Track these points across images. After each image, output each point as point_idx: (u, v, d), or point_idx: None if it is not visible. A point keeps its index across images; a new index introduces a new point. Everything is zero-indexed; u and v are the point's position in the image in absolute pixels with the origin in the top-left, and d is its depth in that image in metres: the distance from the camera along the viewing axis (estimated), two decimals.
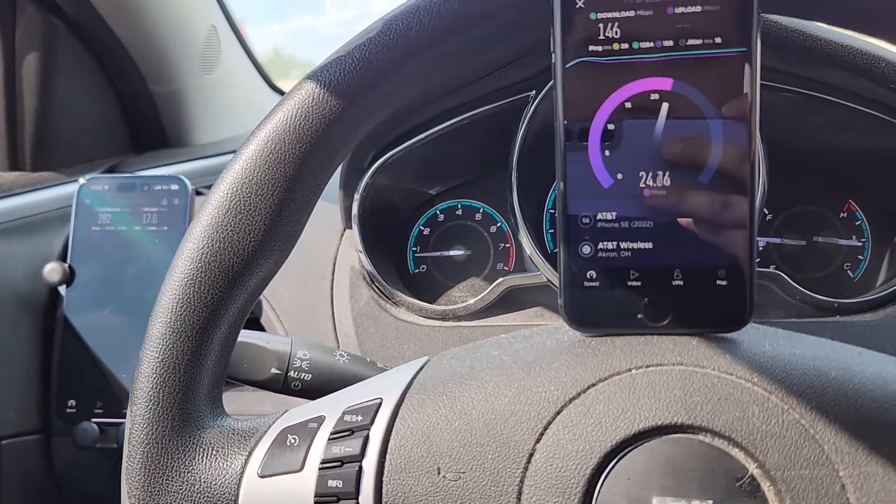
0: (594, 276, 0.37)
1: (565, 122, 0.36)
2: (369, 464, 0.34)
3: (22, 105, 0.91)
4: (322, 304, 0.72)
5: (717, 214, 0.36)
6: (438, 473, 0.34)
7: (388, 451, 0.35)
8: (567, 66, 0.36)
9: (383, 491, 0.34)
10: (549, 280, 0.67)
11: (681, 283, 0.36)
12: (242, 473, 0.36)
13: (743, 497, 0.31)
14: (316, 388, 0.49)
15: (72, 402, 0.75)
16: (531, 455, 0.33)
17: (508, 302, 0.70)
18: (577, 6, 0.35)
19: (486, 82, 0.69)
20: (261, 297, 0.57)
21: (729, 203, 0.35)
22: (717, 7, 0.34)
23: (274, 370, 0.49)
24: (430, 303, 0.71)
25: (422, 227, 0.79)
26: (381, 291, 0.71)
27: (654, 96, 0.35)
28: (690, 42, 0.35)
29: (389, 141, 0.72)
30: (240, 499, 0.35)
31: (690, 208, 0.36)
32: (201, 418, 0.37)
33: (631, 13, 0.35)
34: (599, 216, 0.37)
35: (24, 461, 0.74)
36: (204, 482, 0.36)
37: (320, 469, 0.35)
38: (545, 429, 0.33)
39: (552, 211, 0.74)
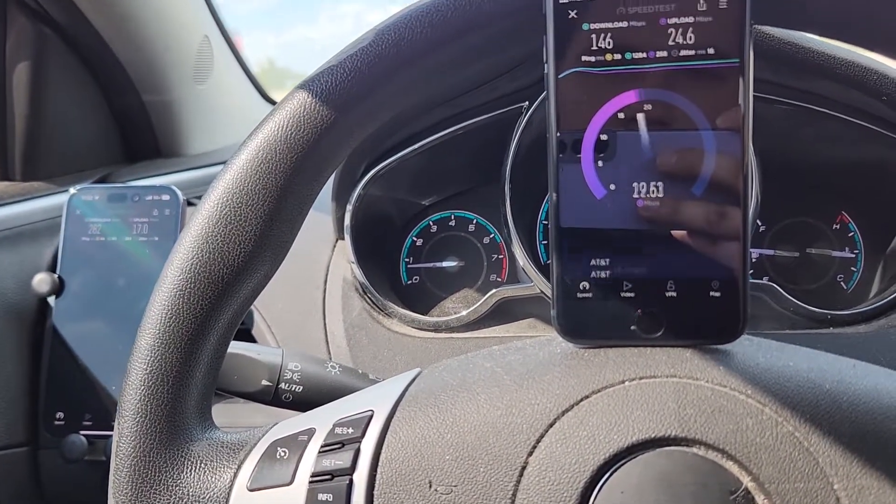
0: (587, 288, 0.37)
1: (558, 133, 0.36)
2: (360, 477, 0.34)
3: (12, 115, 0.90)
4: (314, 315, 0.72)
5: (710, 226, 0.36)
6: (430, 487, 0.33)
7: (380, 464, 0.34)
8: (560, 76, 0.36)
9: None
10: (542, 291, 0.67)
11: (674, 294, 0.36)
12: (231, 487, 0.35)
13: None
14: (307, 400, 0.49)
15: (60, 415, 0.74)
16: (524, 468, 0.33)
17: (501, 313, 0.70)
18: (570, 17, 0.35)
19: (479, 93, 0.69)
20: (252, 307, 0.57)
21: (722, 214, 0.35)
22: (710, 18, 0.34)
23: (264, 382, 0.48)
24: (422, 314, 0.71)
25: (415, 238, 0.78)
26: (374, 303, 0.71)
27: (647, 107, 0.35)
28: (683, 53, 0.35)
29: (382, 151, 0.72)
30: None
31: (683, 220, 0.36)
32: (190, 431, 0.36)
33: (624, 24, 0.35)
34: (592, 227, 0.37)
35: (11, 474, 0.74)
36: (192, 496, 0.35)
37: (310, 482, 0.34)
38: (538, 441, 0.33)
39: (545, 222, 0.74)
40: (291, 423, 0.37)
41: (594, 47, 0.35)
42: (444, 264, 0.77)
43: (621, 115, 0.36)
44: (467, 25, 0.37)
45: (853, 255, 0.72)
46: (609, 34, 0.35)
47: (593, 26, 0.35)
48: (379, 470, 0.34)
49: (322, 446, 0.35)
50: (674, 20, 0.34)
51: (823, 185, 0.72)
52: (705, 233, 0.36)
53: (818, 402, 0.33)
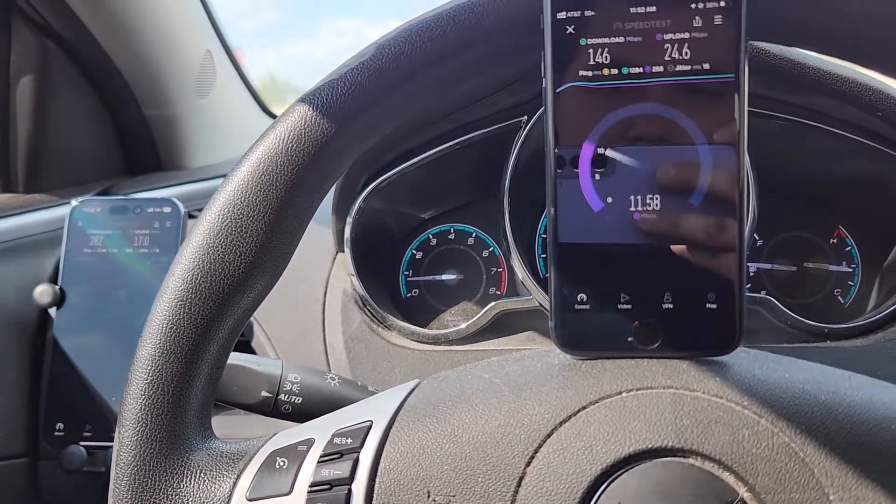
0: (584, 300, 0.37)
1: (556, 148, 0.37)
2: (359, 487, 0.34)
3: (16, 127, 0.91)
4: (313, 327, 0.72)
5: (706, 239, 0.36)
6: (428, 497, 0.34)
7: (378, 474, 0.34)
8: (557, 91, 0.36)
9: None
10: (541, 304, 0.67)
11: (671, 306, 0.36)
12: (231, 496, 0.35)
13: None
14: (306, 411, 0.49)
15: (60, 426, 0.74)
16: (521, 478, 0.33)
17: (500, 326, 0.70)
18: (568, 32, 0.36)
19: (478, 107, 0.70)
20: (252, 319, 0.57)
21: (718, 228, 0.36)
22: (706, 34, 0.35)
23: (264, 393, 0.48)
24: (422, 327, 0.71)
25: (414, 252, 0.79)
26: (373, 315, 0.71)
27: (644, 122, 0.36)
28: (679, 68, 0.35)
29: (382, 165, 0.72)
30: None
31: (680, 232, 0.36)
32: (190, 441, 0.36)
33: (620, 39, 0.35)
34: (590, 240, 0.37)
35: (11, 485, 0.74)
36: None
37: (309, 492, 0.34)
38: (535, 452, 0.33)
39: (544, 235, 0.75)
40: (291, 433, 0.38)
41: (591, 62, 0.36)
42: (444, 277, 0.78)
43: (618, 130, 0.36)
44: (466, 41, 0.37)
45: (850, 270, 0.72)
46: (606, 49, 0.35)
47: (590, 42, 0.36)
48: (377, 480, 0.34)
49: (321, 456, 0.35)
50: (670, 36, 0.35)
51: (820, 199, 0.72)
52: (702, 246, 0.36)
53: (813, 413, 0.33)
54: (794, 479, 0.31)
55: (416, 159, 0.72)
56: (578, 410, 0.34)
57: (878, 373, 0.61)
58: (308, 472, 0.35)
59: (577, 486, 0.32)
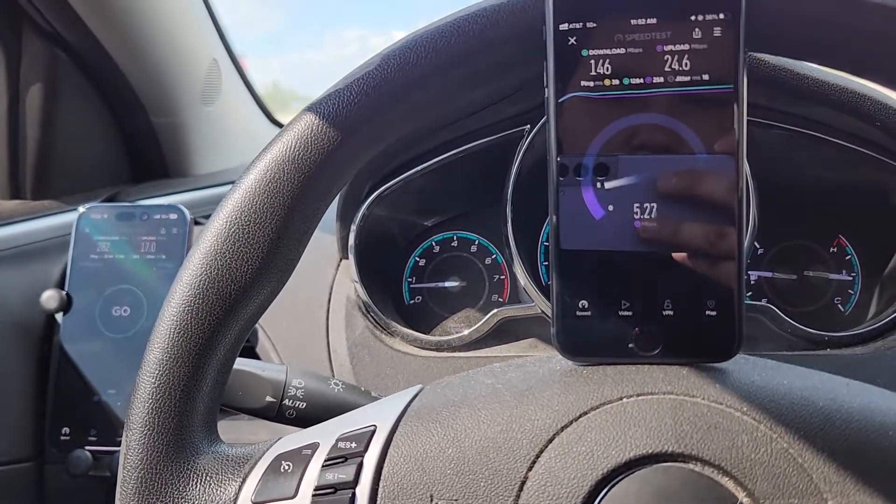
0: (586, 306, 0.37)
1: (558, 157, 0.37)
2: (363, 491, 0.34)
3: (24, 134, 0.91)
4: (317, 333, 0.72)
5: (706, 247, 0.36)
6: (431, 501, 0.34)
7: (382, 478, 0.35)
8: (560, 101, 0.37)
9: None
10: (543, 311, 0.68)
11: (671, 313, 0.37)
12: (236, 500, 0.36)
13: None
14: (310, 416, 0.49)
15: (66, 430, 0.75)
16: (523, 483, 0.33)
17: (503, 333, 0.71)
18: (570, 43, 0.36)
19: (481, 116, 0.70)
20: (257, 325, 0.58)
21: (718, 235, 0.36)
22: (705, 46, 0.35)
23: (269, 398, 0.49)
24: (424, 333, 0.72)
25: (417, 259, 0.79)
26: (377, 321, 0.71)
27: (645, 131, 0.36)
28: (679, 79, 0.36)
29: (386, 173, 0.73)
30: None
31: (680, 240, 0.36)
32: (196, 444, 0.37)
33: (622, 50, 0.36)
34: (591, 248, 0.37)
35: (17, 489, 0.74)
36: None
37: (314, 496, 0.35)
38: (537, 457, 0.34)
39: (546, 243, 0.75)
40: (295, 437, 0.38)
41: (593, 73, 0.36)
42: (447, 284, 0.78)
43: (620, 139, 0.37)
44: (470, 51, 0.38)
45: (850, 278, 0.72)
46: (608, 60, 0.36)
47: (592, 52, 0.36)
48: (381, 484, 0.35)
49: (325, 460, 0.35)
50: (670, 47, 0.35)
51: (820, 208, 0.73)
52: (702, 253, 0.36)
53: (812, 419, 0.33)
54: (793, 484, 0.32)
55: (419, 167, 0.72)
56: (580, 416, 0.34)
57: (877, 381, 0.61)
58: (312, 475, 0.35)
59: (578, 490, 0.33)
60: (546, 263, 0.75)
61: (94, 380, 0.75)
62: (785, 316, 0.65)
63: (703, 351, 0.37)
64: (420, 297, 0.79)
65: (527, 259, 0.70)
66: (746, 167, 0.60)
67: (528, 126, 0.69)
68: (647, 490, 0.32)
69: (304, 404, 0.49)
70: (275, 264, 0.38)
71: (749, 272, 0.73)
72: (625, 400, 0.34)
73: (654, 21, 0.35)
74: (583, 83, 0.36)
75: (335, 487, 0.35)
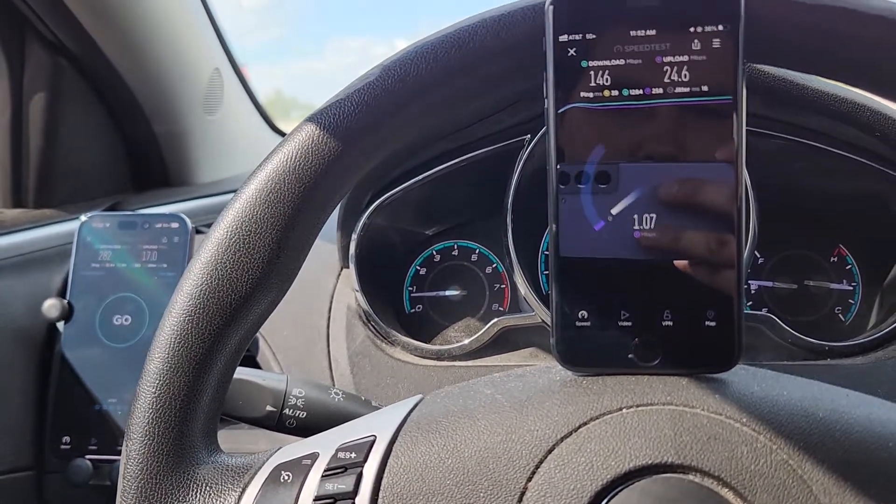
0: (585, 317, 0.38)
1: (558, 166, 0.37)
2: (362, 501, 0.34)
3: (27, 143, 0.92)
4: (318, 342, 0.72)
5: (705, 256, 0.36)
6: None
7: (381, 488, 0.35)
8: (560, 111, 0.37)
9: None
10: (543, 321, 0.68)
11: (670, 323, 0.37)
12: None
13: None
14: (311, 426, 0.49)
15: (66, 439, 0.75)
16: (523, 493, 0.33)
17: (503, 342, 0.70)
18: (570, 54, 0.36)
19: (482, 126, 0.70)
20: (257, 334, 0.58)
21: (717, 245, 0.36)
22: (704, 57, 0.35)
23: (269, 407, 0.49)
24: (425, 342, 0.72)
25: (418, 268, 0.79)
26: (377, 331, 0.71)
27: (645, 140, 0.37)
28: (679, 90, 0.36)
29: (387, 182, 0.73)
30: None
31: (680, 250, 0.37)
32: (196, 454, 0.37)
33: (621, 62, 0.36)
34: (591, 257, 0.37)
35: (16, 498, 0.74)
36: None
37: None
38: (537, 467, 0.34)
39: (547, 252, 0.75)
40: (295, 447, 0.38)
41: (592, 84, 0.36)
42: (447, 293, 0.78)
43: (620, 148, 0.37)
44: (471, 62, 0.38)
45: (851, 288, 0.72)
46: (607, 71, 0.36)
47: (592, 64, 0.36)
48: (381, 494, 0.34)
49: (325, 470, 0.35)
50: (669, 59, 0.36)
51: (820, 218, 0.73)
52: (701, 263, 0.37)
53: (812, 430, 0.33)
54: (792, 495, 0.32)
55: (420, 177, 0.72)
56: (579, 426, 0.34)
57: (878, 391, 0.61)
58: (312, 486, 0.35)
59: (577, 501, 0.33)
60: (546, 273, 0.75)
61: (94, 388, 0.75)
62: (785, 325, 0.65)
63: (702, 361, 0.37)
64: (421, 306, 0.79)
65: (527, 268, 0.70)
66: (746, 176, 0.60)
67: (529, 136, 0.69)
68: (647, 501, 0.32)
69: (305, 414, 0.49)
70: (275, 274, 0.38)
71: (749, 281, 0.73)
72: (624, 410, 0.34)
73: (653, 33, 0.35)
74: (582, 94, 0.37)
75: (335, 498, 0.35)
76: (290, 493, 0.35)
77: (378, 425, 0.37)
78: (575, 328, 0.38)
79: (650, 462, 0.33)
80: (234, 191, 0.39)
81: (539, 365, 0.41)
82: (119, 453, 0.67)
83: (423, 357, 0.70)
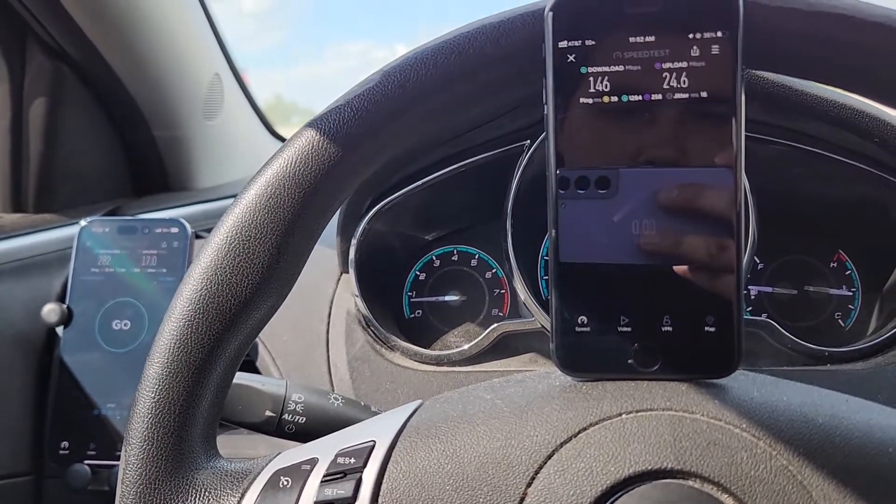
0: (585, 322, 0.38)
1: (557, 171, 0.37)
2: None
3: (27, 148, 0.92)
4: (317, 347, 0.72)
5: (705, 262, 0.36)
6: None
7: (381, 493, 0.35)
8: (559, 117, 0.37)
9: None
10: (543, 326, 0.68)
11: (670, 329, 0.37)
12: None
13: None
14: (310, 431, 0.49)
15: (65, 444, 0.74)
16: (522, 499, 0.33)
17: (503, 347, 0.71)
18: (569, 60, 0.36)
19: (482, 131, 0.70)
20: (257, 339, 0.58)
21: (717, 250, 0.36)
22: (703, 63, 0.35)
23: (268, 413, 0.49)
24: (425, 348, 0.72)
25: (418, 273, 0.79)
26: (377, 336, 0.72)
27: (644, 146, 0.37)
28: (678, 96, 0.36)
29: (387, 187, 0.73)
30: None
31: (680, 255, 0.37)
32: (195, 459, 0.37)
33: (620, 68, 0.36)
34: (591, 263, 0.38)
35: (15, 503, 0.74)
36: None
37: None
38: (536, 473, 0.34)
39: (546, 258, 0.75)
40: (294, 452, 0.38)
41: (592, 90, 0.36)
42: (447, 298, 0.78)
43: (620, 153, 0.37)
44: (470, 68, 0.38)
45: (850, 293, 0.72)
46: (606, 77, 0.36)
47: (591, 70, 0.36)
48: (380, 500, 0.34)
49: (324, 476, 0.35)
50: (668, 65, 0.36)
51: (820, 223, 0.73)
52: (701, 268, 0.37)
53: (811, 436, 0.33)
54: (792, 501, 0.32)
55: (420, 182, 0.72)
56: (579, 432, 0.34)
57: (878, 396, 0.61)
58: (311, 491, 0.35)
59: None
60: (546, 278, 0.75)
61: (93, 393, 0.75)
62: (785, 331, 0.65)
63: (702, 367, 0.37)
64: (420, 312, 0.79)
65: (527, 273, 0.70)
66: (745, 181, 0.60)
67: (528, 141, 0.69)
68: None
69: (304, 419, 0.49)
70: (275, 279, 0.38)
71: (749, 287, 0.73)
72: (624, 416, 0.34)
73: (652, 39, 0.36)
74: (582, 100, 0.37)
75: (334, 503, 0.34)
76: (290, 499, 0.35)
77: (377, 431, 0.37)
78: (574, 333, 0.38)
79: (650, 468, 0.33)
80: (234, 196, 0.39)
81: (538, 370, 0.41)
82: (118, 458, 0.67)
83: (423, 362, 0.70)
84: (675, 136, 0.36)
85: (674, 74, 0.36)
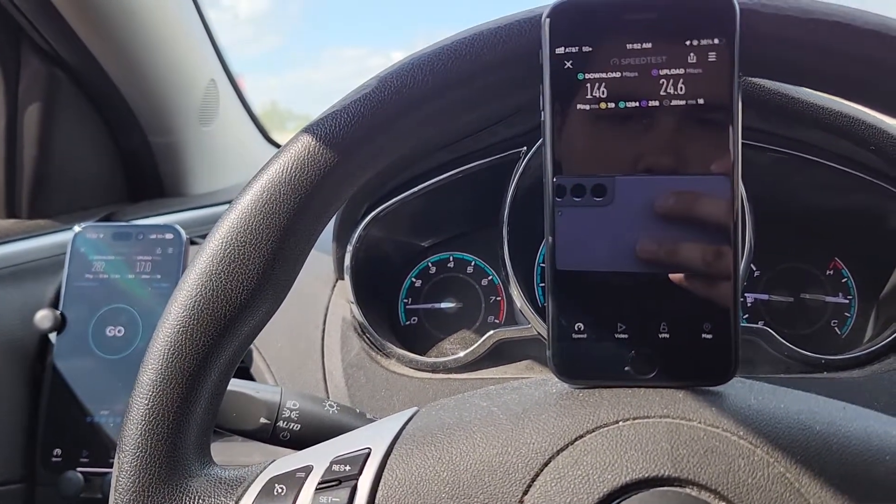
0: (582, 329, 0.37)
1: (554, 178, 0.37)
2: None
3: (21, 153, 0.92)
4: (312, 354, 0.72)
5: (702, 269, 0.36)
6: None
7: (376, 501, 0.34)
8: (556, 123, 0.37)
9: None
10: (539, 333, 0.68)
11: (667, 336, 0.37)
12: None
13: None
14: (305, 438, 0.49)
15: (57, 451, 0.74)
16: None
17: (499, 355, 0.70)
18: (566, 67, 0.36)
19: (478, 138, 0.70)
20: (251, 346, 0.57)
21: (714, 258, 0.36)
22: (700, 70, 0.35)
23: (263, 420, 0.48)
24: (420, 355, 0.71)
25: (413, 279, 0.79)
26: (372, 343, 0.71)
27: (642, 153, 0.37)
28: (675, 103, 0.36)
29: (383, 194, 0.73)
30: None
31: (677, 262, 0.37)
32: (189, 466, 0.37)
33: (617, 74, 0.36)
34: (587, 270, 0.37)
35: None
36: None
37: None
38: (533, 480, 0.33)
39: (543, 265, 0.75)
40: (289, 459, 0.38)
41: (589, 96, 0.36)
42: (443, 305, 0.78)
43: (617, 161, 0.37)
44: (467, 74, 0.38)
45: (847, 301, 0.72)
46: (603, 84, 0.36)
47: (588, 76, 0.36)
48: None
49: (319, 483, 0.35)
50: (665, 71, 0.36)
51: (816, 231, 0.73)
52: (698, 276, 0.36)
53: (809, 443, 0.33)
54: None
55: (416, 188, 0.72)
56: (576, 439, 0.34)
57: (874, 404, 0.61)
58: (306, 498, 0.35)
59: None
60: (542, 285, 0.75)
61: (86, 400, 0.75)
62: (781, 339, 0.65)
63: (699, 374, 0.37)
64: (416, 318, 0.78)
65: (523, 280, 0.70)
66: (742, 188, 0.60)
67: (525, 148, 0.70)
68: None
69: (299, 426, 0.49)
70: (270, 285, 0.37)
71: (745, 294, 0.73)
72: (621, 423, 0.34)
73: (649, 46, 0.36)
74: (579, 106, 0.37)
75: None
76: None
77: (373, 438, 0.37)
78: (571, 340, 0.38)
79: (647, 475, 0.33)
80: (230, 202, 0.39)
81: (535, 377, 0.41)
82: (111, 466, 0.66)
83: (419, 369, 0.70)
84: (672, 143, 0.36)
85: (671, 81, 0.36)
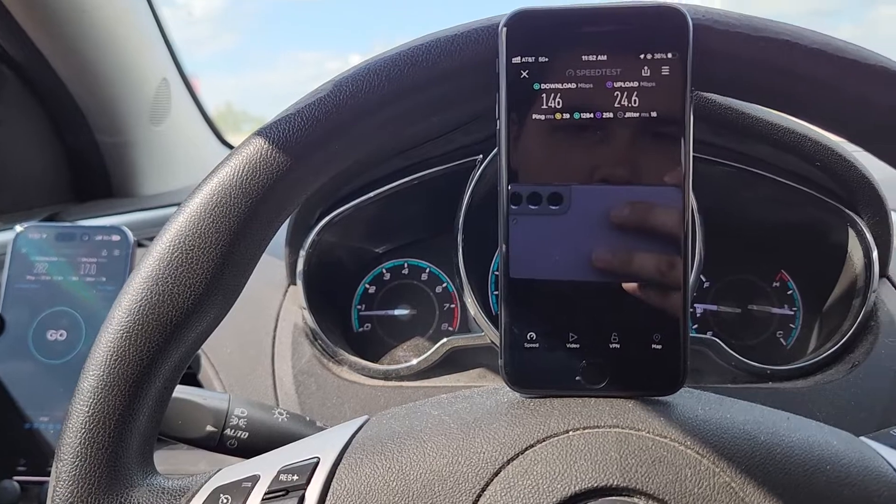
0: (534, 338, 0.38)
1: (509, 187, 0.37)
2: None
3: None
4: (262, 360, 0.71)
5: (654, 279, 0.37)
6: None
7: None
8: (511, 132, 0.37)
9: None
10: (492, 341, 0.68)
11: (617, 346, 0.37)
12: None
13: None
14: (253, 446, 0.48)
15: None
16: None
17: (452, 363, 0.70)
18: (522, 76, 0.37)
19: (434, 145, 0.70)
20: (199, 351, 0.56)
21: (665, 268, 0.37)
22: (653, 84, 0.36)
23: (209, 427, 0.47)
24: (373, 362, 0.71)
25: (367, 286, 0.79)
26: (324, 349, 0.71)
27: (596, 163, 0.37)
28: (628, 115, 0.36)
29: (337, 199, 0.73)
30: None
31: (629, 273, 0.37)
32: (130, 476, 0.35)
33: (573, 85, 0.36)
34: (541, 279, 0.38)
35: None
36: None
37: None
38: (483, 490, 0.33)
39: (497, 273, 0.75)
40: (235, 469, 0.37)
41: (544, 106, 0.37)
42: (397, 312, 0.77)
43: (571, 171, 0.37)
44: (424, 81, 0.38)
45: (792, 313, 0.74)
46: (559, 94, 0.37)
47: (544, 86, 0.37)
48: None
49: (266, 493, 0.34)
50: (619, 84, 0.36)
51: (764, 244, 0.75)
52: (649, 286, 0.37)
53: (753, 453, 0.34)
54: None
55: (371, 194, 0.72)
56: (526, 449, 0.34)
57: (817, 414, 0.63)
58: None
59: None
60: (496, 293, 0.75)
61: (25, 406, 0.72)
62: (729, 349, 0.66)
63: (648, 384, 0.37)
64: (369, 325, 0.78)
65: (477, 288, 0.70)
66: (693, 200, 0.61)
67: (481, 156, 0.70)
68: None
69: (247, 434, 0.48)
70: (218, 290, 0.37)
71: (695, 305, 0.74)
72: (571, 433, 0.34)
73: (604, 58, 0.36)
74: (534, 116, 0.37)
75: None
76: None
77: (322, 447, 0.36)
78: (523, 349, 0.38)
79: (596, 485, 0.33)
80: (180, 203, 0.38)
81: (487, 386, 0.41)
82: (49, 474, 0.64)
83: (371, 377, 0.69)
84: (626, 154, 0.37)
85: (625, 94, 0.36)
